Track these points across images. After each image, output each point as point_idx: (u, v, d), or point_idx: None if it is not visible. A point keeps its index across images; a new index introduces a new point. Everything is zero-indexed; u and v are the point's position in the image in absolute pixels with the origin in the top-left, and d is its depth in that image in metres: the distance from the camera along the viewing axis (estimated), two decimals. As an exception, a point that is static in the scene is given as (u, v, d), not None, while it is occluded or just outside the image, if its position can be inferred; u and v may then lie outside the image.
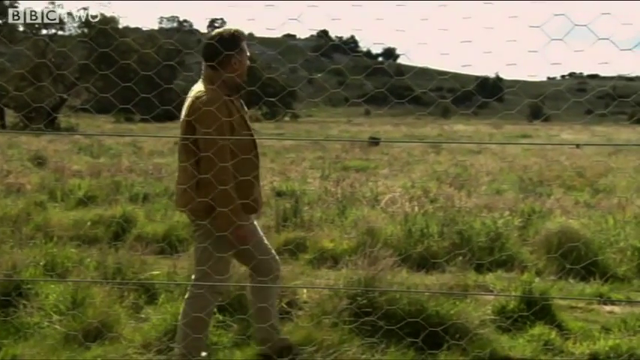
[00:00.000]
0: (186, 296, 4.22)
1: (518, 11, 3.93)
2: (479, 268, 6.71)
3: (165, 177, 13.11)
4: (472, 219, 7.94)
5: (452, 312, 4.72)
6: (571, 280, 6.44)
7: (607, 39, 3.26)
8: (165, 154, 19.63)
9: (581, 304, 5.82)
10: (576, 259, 6.54)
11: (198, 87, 4.02)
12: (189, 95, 4.04)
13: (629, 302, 5.80)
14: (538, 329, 4.88)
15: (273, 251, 4.39)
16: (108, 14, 44.25)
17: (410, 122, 50.32)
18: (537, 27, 3.18)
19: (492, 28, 3.71)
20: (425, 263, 6.64)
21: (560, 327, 5.04)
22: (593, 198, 11.27)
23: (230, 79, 4.00)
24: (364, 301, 4.82)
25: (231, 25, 4.17)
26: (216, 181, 3.82)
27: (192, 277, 4.18)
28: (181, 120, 4.02)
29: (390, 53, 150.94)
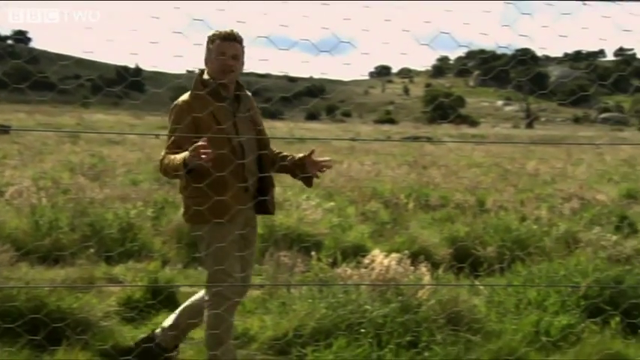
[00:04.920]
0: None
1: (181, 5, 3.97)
2: (109, 260, 6.64)
3: None
4: (105, 210, 7.84)
5: (74, 306, 4.59)
6: (199, 268, 6.69)
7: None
8: None
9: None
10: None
11: None
12: None
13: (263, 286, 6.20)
14: (162, 316, 5.00)
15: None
16: None
17: (46, 110, 47.56)
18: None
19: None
20: (54, 257, 6.37)
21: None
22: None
23: (205, 78, 3.88)
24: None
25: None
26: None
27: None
28: None
29: (21, 36, 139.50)
